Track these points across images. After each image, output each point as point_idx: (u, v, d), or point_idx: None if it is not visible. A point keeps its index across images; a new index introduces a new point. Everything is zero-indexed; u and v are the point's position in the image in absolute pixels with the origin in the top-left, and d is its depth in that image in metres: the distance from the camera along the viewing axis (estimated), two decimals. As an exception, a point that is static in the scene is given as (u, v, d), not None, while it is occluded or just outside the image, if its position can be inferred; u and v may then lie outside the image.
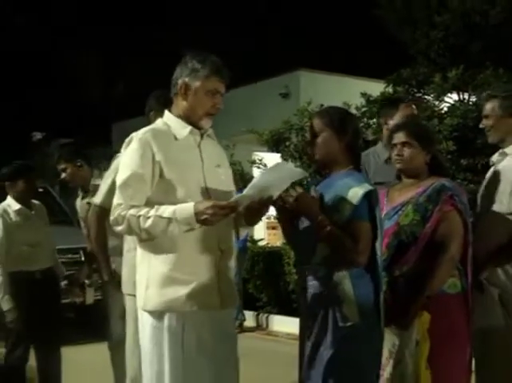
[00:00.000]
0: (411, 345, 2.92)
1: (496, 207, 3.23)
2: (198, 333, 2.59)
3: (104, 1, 21.34)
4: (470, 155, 6.59)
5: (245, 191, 2.54)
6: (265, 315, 8.26)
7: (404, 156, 3.10)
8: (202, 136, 2.76)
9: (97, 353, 4.87)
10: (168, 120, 2.75)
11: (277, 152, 8.07)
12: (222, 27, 20.57)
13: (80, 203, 4.71)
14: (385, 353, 2.86)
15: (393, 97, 7.03)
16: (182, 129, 2.71)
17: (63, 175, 4.66)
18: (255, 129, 8.40)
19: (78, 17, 21.85)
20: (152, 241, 2.61)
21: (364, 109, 7.72)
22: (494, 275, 3.19)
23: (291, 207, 2.66)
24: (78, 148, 4.76)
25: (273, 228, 11.74)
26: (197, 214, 2.48)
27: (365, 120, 7.53)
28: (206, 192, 2.64)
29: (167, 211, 2.53)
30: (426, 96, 8.09)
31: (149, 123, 2.98)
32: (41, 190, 7.47)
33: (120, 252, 3.61)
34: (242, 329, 7.64)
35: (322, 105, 6.07)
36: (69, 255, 6.95)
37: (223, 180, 2.75)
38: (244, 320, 7.94)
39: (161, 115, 2.83)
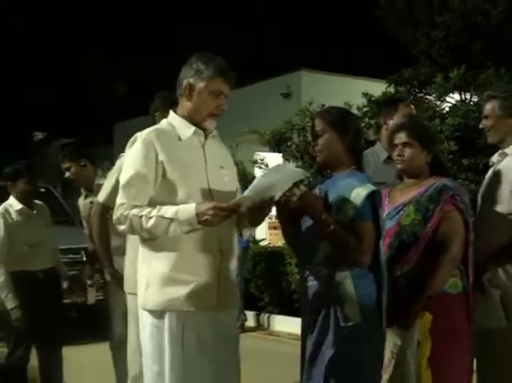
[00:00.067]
0: (412, 345, 2.91)
1: (496, 208, 3.23)
2: (198, 333, 2.60)
3: (104, 1, 21.35)
4: (472, 155, 6.59)
5: (245, 193, 2.55)
6: (267, 315, 8.26)
7: (405, 157, 3.10)
8: (206, 136, 2.76)
9: (99, 353, 4.87)
10: (173, 121, 2.76)
11: (279, 152, 8.07)
12: (223, 27, 20.60)
13: (83, 203, 4.72)
14: (387, 353, 2.86)
15: (393, 97, 7.02)
16: (186, 130, 2.72)
17: (67, 174, 4.67)
18: (257, 129, 8.40)
19: (78, 17, 21.87)
20: (154, 241, 2.62)
21: (365, 109, 7.72)
22: (495, 276, 3.19)
23: (295, 205, 2.66)
24: (82, 148, 4.77)
25: (275, 228, 11.72)
26: (198, 215, 2.49)
27: (367, 120, 7.52)
28: (209, 193, 2.65)
29: (169, 211, 2.54)
30: (427, 96, 8.09)
31: (153, 123, 2.99)
32: (42, 190, 7.49)
33: (122, 252, 3.62)
34: (244, 329, 7.63)
35: (324, 105, 6.07)
36: (71, 255, 6.95)
37: (227, 181, 2.76)
38: (245, 320, 7.95)
39: (166, 115, 2.83)
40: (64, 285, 5.12)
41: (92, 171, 4.64)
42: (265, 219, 2.75)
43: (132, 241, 3.42)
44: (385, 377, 2.89)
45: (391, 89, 8.87)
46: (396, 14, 12.92)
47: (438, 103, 7.58)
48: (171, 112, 2.80)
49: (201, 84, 2.67)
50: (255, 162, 8.38)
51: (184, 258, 2.61)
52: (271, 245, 9.71)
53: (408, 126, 3.19)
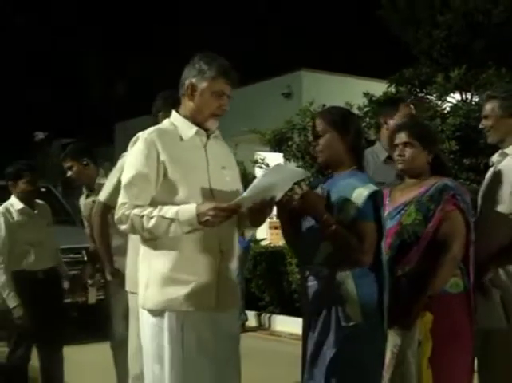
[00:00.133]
0: (413, 345, 2.91)
1: (497, 208, 3.23)
2: (198, 333, 2.60)
3: (104, 2, 21.36)
4: (473, 154, 6.59)
5: (245, 193, 2.54)
6: (268, 315, 8.26)
7: (406, 157, 3.10)
8: (208, 136, 2.76)
9: (100, 352, 4.87)
10: (175, 121, 2.76)
11: (280, 152, 8.07)
12: (223, 27, 20.60)
13: (84, 202, 4.71)
14: (388, 353, 2.86)
15: (394, 97, 7.02)
16: (188, 130, 2.72)
17: (69, 173, 4.66)
18: (258, 129, 8.40)
19: (78, 17, 21.88)
20: (155, 240, 2.63)
21: (366, 109, 7.72)
22: (495, 276, 3.19)
23: (297, 204, 2.66)
24: (84, 147, 4.77)
25: (276, 228, 11.70)
26: (199, 215, 2.50)
27: (368, 120, 7.52)
28: (211, 193, 2.65)
29: (170, 211, 2.54)
30: (428, 96, 8.09)
31: (156, 123, 2.99)
32: (43, 190, 7.49)
33: (123, 252, 3.61)
34: (245, 329, 7.62)
35: (324, 105, 6.07)
36: (72, 255, 6.96)
37: (228, 182, 2.75)
38: (246, 320, 7.95)
39: (169, 115, 2.83)
40: (65, 284, 5.11)
41: (94, 171, 4.63)
42: (266, 219, 2.74)
43: (134, 240, 3.42)
44: (386, 376, 2.89)
45: (392, 89, 8.87)
46: (398, 14, 12.93)
47: (439, 103, 7.58)
48: (174, 112, 2.80)
49: (203, 85, 2.67)
50: (256, 162, 8.38)
51: (184, 259, 2.61)
52: (272, 245, 9.70)
53: (409, 126, 3.18)
